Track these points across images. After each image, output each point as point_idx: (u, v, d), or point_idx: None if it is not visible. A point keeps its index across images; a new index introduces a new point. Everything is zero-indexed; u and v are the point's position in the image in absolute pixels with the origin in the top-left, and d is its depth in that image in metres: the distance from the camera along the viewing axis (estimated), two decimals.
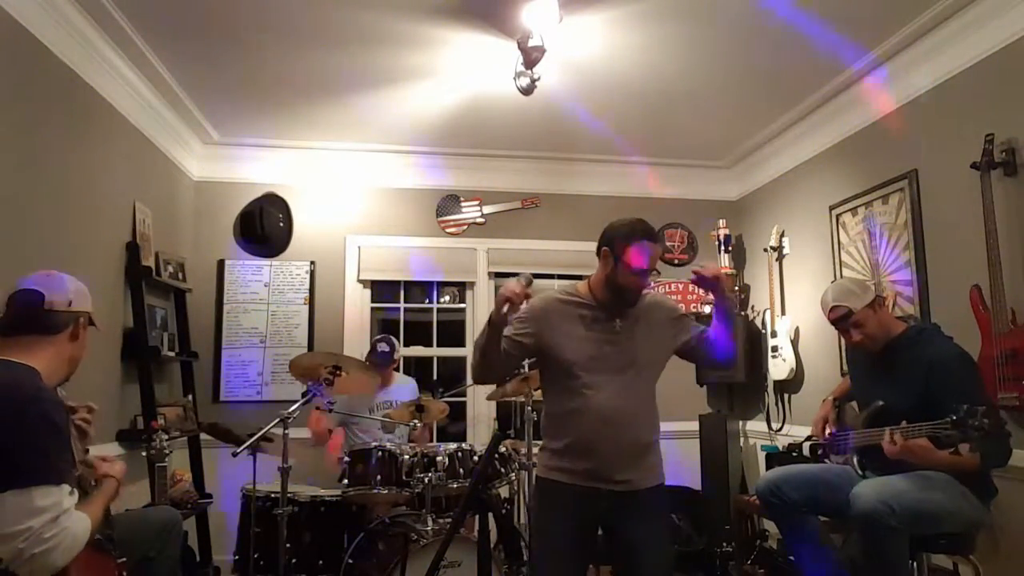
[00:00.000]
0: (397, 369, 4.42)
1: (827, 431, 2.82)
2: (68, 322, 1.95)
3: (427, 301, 5.21)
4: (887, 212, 3.69)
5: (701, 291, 2.30)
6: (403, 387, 4.25)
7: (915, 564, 2.47)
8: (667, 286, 5.23)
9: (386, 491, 3.22)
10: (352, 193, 5.01)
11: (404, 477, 3.21)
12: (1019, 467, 2.56)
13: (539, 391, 3.30)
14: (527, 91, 3.37)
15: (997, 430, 2.16)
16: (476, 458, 3.30)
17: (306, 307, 4.82)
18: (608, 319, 2.32)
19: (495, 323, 2.19)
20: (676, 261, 5.29)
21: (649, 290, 2.43)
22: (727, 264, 4.95)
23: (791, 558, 3.29)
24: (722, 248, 4.95)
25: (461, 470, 3.26)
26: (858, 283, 2.73)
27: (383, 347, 4.13)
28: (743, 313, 4.92)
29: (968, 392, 2.30)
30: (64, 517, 1.67)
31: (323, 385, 3.23)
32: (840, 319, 2.62)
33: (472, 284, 5.12)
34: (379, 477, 3.22)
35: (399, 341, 4.80)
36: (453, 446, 3.34)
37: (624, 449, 2.26)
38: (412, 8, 3.13)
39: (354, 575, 3.13)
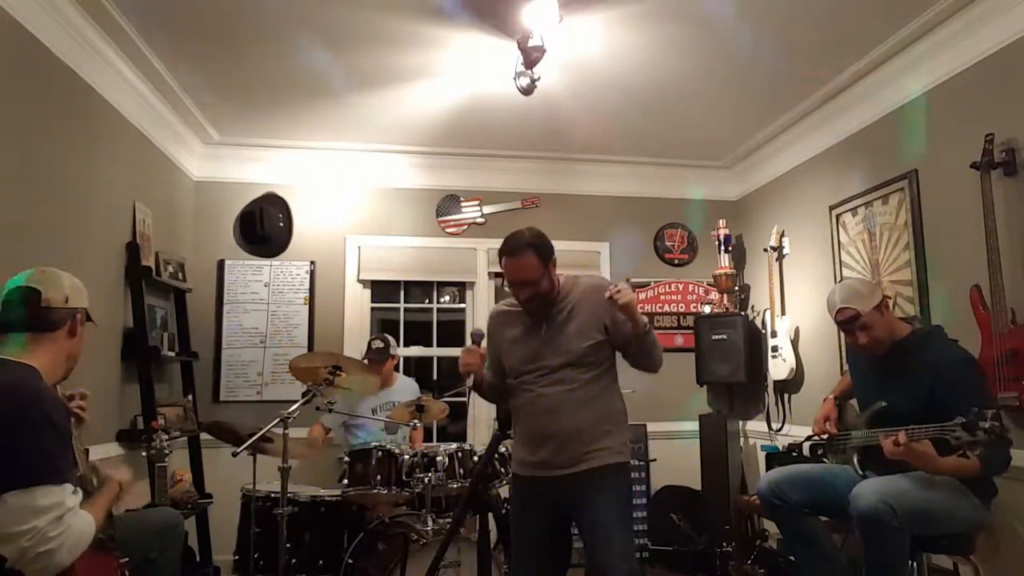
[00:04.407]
0: (397, 369, 4.42)
1: (828, 429, 2.81)
2: (66, 319, 1.94)
3: (427, 301, 5.21)
4: (887, 212, 3.69)
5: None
6: (405, 387, 4.26)
7: (915, 564, 2.47)
8: (667, 286, 5.24)
9: (386, 491, 3.21)
10: (352, 193, 5.01)
11: (404, 477, 3.21)
12: (1019, 467, 2.56)
13: None
14: (527, 91, 3.37)
15: (1002, 436, 2.16)
16: (476, 458, 3.30)
17: (306, 307, 4.81)
18: (536, 322, 2.44)
19: (476, 385, 2.47)
20: (676, 261, 5.30)
21: (587, 276, 2.57)
22: (727, 264, 4.94)
23: (791, 558, 3.29)
24: (722, 248, 4.95)
25: (461, 470, 3.26)
26: (866, 284, 2.71)
27: (377, 344, 4.16)
28: (743, 313, 4.91)
29: (974, 397, 2.29)
30: (68, 515, 1.68)
31: (323, 387, 3.23)
32: (847, 321, 2.60)
33: (472, 284, 5.12)
34: (379, 477, 3.22)
35: (399, 341, 4.82)
36: (453, 446, 3.34)
37: (567, 441, 2.35)
38: (412, 8, 3.13)
39: (354, 575, 3.13)
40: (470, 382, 2.41)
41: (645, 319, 2.36)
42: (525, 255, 2.34)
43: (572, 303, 2.43)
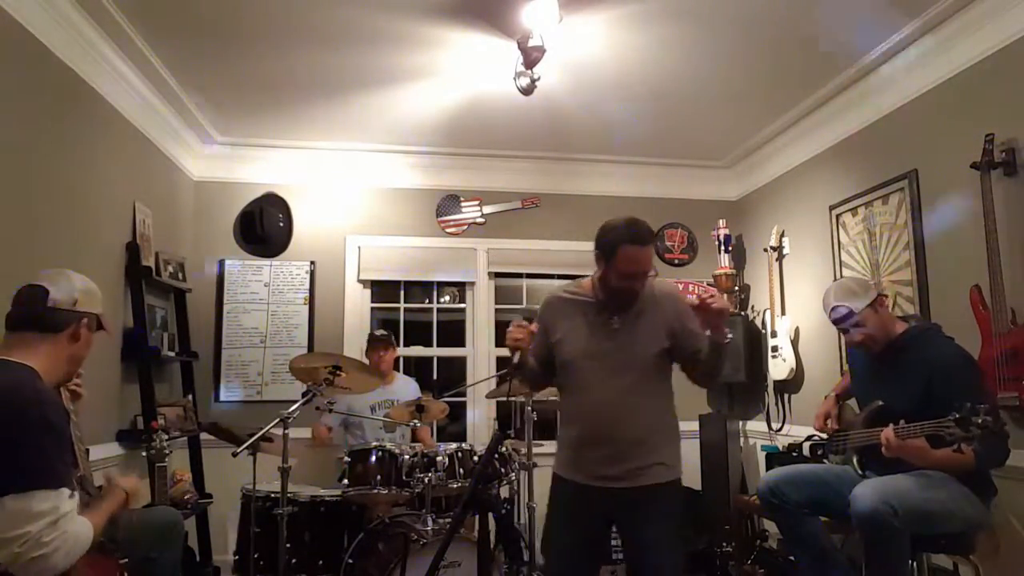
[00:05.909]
0: (397, 368, 4.42)
1: (829, 426, 2.82)
2: (70, 321, 1.91)
3: (427, 301, 5.21)
4: (887, 212, 3.69)
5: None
6: (405, 386, 4.26)
7: (915, 564, 2.47)
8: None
9: (386, 491, 3.21)
10: (352, 193, 5.01)
11: (404, 477, 3.21)
12: (1019, 467, 2.56)
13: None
14: (527, 91, 3.37)
15: (998, 430, 2.16)
16: (476, 458, 3.30)
17: (306, 307, 4.82)
18: (607, 316, 2.32)
19: (520, 365, 2.28)
20: (676, 261, 5.30)
21: (658, 280, 2.43)
22: (727, 264, 4.95)
23: (791, 558, 3.30)
24: (722, 248, 4.95)
25: (461, 470, 3.26)
26: (860, 282, 2.72)
27: (380, 331, 4.23)
28: (743, 313, 4.91)
29: (971, 394, 2.29)
30: (63, 521, 1.65)
31: (323, 386, 3.23)
32: (841, 319, 2.61)
33: (472, 284, 5.12)
34: (379, 477, 3.22)
35: (399, 341, 4.82)
36: (453, 446, 3.34)
37: (621, 448, 2.24)
38: (412, 8, 3.13)
39: (354, 575, 3.13)
40: (516, 359, 2.26)
41: (729, 331, 2.22)
42: (651, 244, 2.27)
43: (645, 304, 2.32)
